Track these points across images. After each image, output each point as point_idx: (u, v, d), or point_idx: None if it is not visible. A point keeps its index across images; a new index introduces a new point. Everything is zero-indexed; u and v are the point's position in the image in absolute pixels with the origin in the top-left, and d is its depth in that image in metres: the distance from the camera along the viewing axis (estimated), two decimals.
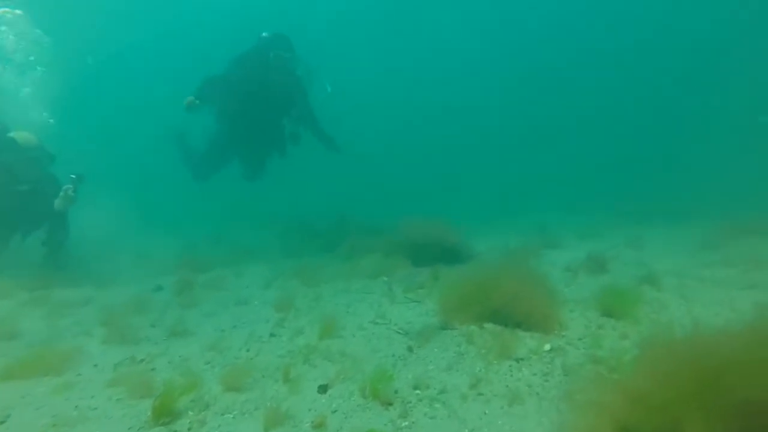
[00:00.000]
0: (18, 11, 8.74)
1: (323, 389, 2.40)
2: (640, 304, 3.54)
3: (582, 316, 3.38)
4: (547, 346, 2.81)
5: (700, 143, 12.89)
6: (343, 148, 7.30)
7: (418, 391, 2.38)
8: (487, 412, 2.17)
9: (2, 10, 8.37)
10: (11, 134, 5.67)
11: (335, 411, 2.22)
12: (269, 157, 7.41)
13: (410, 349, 2.93)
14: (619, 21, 19.23)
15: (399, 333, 3.25)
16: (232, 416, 2.20)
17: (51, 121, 7.76)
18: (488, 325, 3.20)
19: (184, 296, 4.59)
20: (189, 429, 2.10)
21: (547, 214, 8.94)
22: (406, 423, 2.10)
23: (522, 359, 2.67)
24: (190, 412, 2.23)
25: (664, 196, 9.02)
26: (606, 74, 20.18)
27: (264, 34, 6.75)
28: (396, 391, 2.37)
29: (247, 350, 3.09)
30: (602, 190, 10.88)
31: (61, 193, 5.61)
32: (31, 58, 8.23)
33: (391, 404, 2.25)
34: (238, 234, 8.65)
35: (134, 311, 4.10)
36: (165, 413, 2.14)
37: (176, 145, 7.79)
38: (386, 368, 2.62)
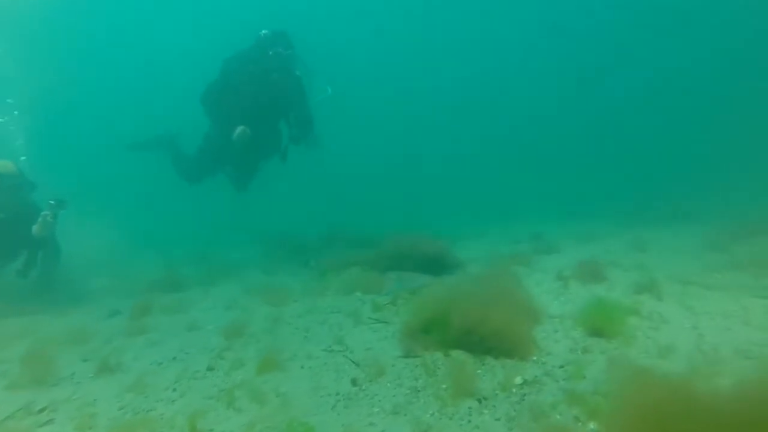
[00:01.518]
0: None
1: None
2: (635, 319, 3.06)
3: (566, 337, 2.90)
4: (518, 379, 2.34)
5: (702, 144, 12.28)
6: (321, 144, 6.90)
7: None
8: None
9: None
10: None
11: None
12: (264, 162, 7.05)
13: (358, 386, 2.48)
14: (617, 21, 18.63)
15: (352, 363, 2.80)
16: None
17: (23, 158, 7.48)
18: (455, 352, 2.74)
19: (137, 322, 4.18)
20: None
21: (546, 219, 8.44)
22: None
23: (485, 398, 2.20)
24: None
25: (666, 198, 8.47)
26: (604, 76, 19.57)
27: (263, 32, 6.42)
28: None
29: (174, 390, 2.66)
30: (603, 195, 10.34)
31: (39, 219, 5.36)
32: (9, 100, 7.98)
33: None
34: (223, 251, 8.29)
35: (74, 342, 3.70)
36: None
37: (166, 148, 7.48)
38: (317, 414, 2.18)
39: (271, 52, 6.25)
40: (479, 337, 2.72)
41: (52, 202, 5.46)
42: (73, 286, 6.00)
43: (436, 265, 5.10)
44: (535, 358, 2.63)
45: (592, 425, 1.84)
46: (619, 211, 8.02)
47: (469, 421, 2.02)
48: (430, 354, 2.76)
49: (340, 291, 4.67)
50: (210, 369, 2.93)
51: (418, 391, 2.36)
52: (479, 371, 2.49)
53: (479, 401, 2.17)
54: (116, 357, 3.24)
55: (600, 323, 2.92)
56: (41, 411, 2.46)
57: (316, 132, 6.78)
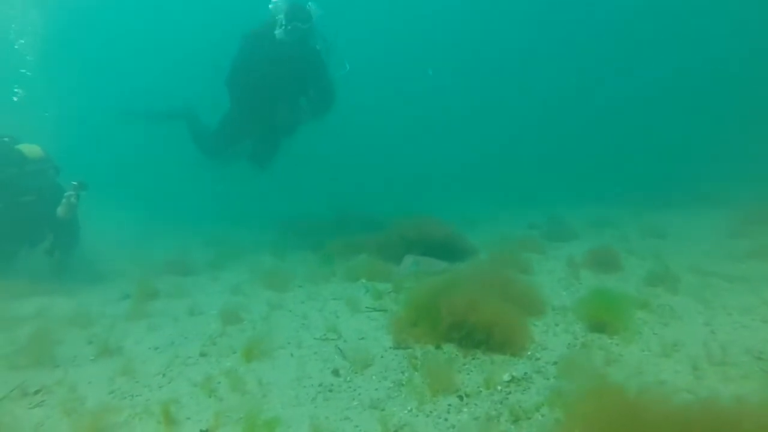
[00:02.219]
0: None
1: None
2: (644, 313, 2.88)
3: (566, 331, 2.76)
4: (506, 376, 2.23)
5: (725, 133, 11.51)
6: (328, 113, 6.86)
7: None
8: None
9: None
10: (19, 146, 5.70)
11: None
12: (284, 139, 7.07)
13: (342, 377, 2.43)
14: (637, 8, 17.48)
15: (341, 354, 2.74)
16: None
17: (17, 90, 7.69)
18: (447, 346, 2.64)
19: (143, 306, 4.25)
20: None
21: (564, 205, 8.14)
22: None
23: (468, 395, 2.10)
24: None
25: (687, 181, 8.02)
26: (625, 60, 18.50)
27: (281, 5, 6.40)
28: None
29: (164, 376, 2.67)
30: (623, 180, 9.86)
31: (63, 200, 5.55)
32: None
33: None
34: (238, 233, 8.37)
35: (82, 324, 3.79)
36: None
37: (186, 119, 7.60)
38: (295, 406, 2.13)
39: (289, 26, 6.12)
40: (472, 330, 2.61)
41: (74, 183, 5.63)
42: (90, 268, 6.17)
43: (450, 251, 5.01)
44: (529, 353, 2.51)
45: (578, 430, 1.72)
46: (639, 196, 7.64)
47: (446, 420, 1.93)
48: (421, 346, 2.68)
49: (346, 277, 4.63)
50: (203, 355, 2.94)
51: (402, 385, 2.28)
52: (467, 366, 2.40)
53: (461, 398, 2.08)
54: (118, 341, 3.29)
55: (605, 317, 2.76)
56: (36, 392, 2.52)
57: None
